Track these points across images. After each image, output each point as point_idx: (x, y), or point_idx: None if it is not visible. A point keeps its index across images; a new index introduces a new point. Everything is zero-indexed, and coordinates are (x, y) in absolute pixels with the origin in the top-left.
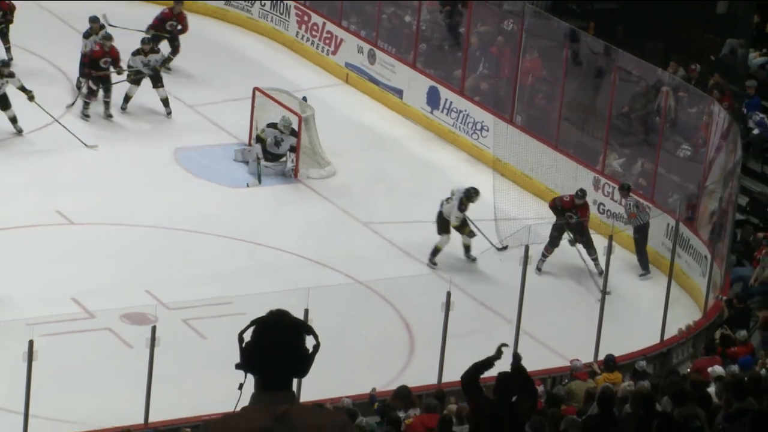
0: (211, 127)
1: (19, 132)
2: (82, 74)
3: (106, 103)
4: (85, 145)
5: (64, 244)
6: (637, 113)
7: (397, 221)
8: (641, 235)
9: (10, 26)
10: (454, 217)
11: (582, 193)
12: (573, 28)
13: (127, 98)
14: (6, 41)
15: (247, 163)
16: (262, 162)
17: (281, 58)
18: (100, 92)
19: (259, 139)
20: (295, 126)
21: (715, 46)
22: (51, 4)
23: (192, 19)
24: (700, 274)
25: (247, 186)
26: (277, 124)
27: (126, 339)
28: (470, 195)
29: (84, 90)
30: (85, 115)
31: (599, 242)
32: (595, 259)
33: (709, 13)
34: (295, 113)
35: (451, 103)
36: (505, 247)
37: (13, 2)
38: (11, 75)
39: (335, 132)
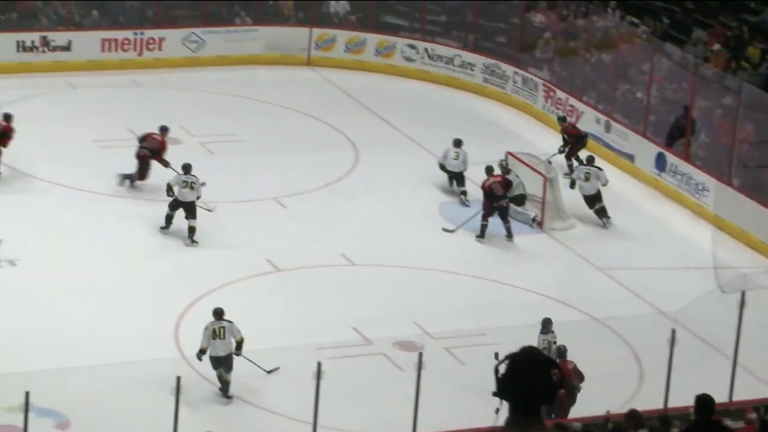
0: (470, 184)
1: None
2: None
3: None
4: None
5: (347, 281)
6: None
7: (628, 267)
8: None
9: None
10: None
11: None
12: None
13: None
14: None
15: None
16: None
17: (530, 127)
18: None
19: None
20: (510, 167)
21: None
22: (335, 77)
23: (455, 94)
24: None
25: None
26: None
27: (397, 363)
28: None
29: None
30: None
31: None
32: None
33: None
34: (540, 174)
35: (676, 166)
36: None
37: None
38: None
39: (575, 190)
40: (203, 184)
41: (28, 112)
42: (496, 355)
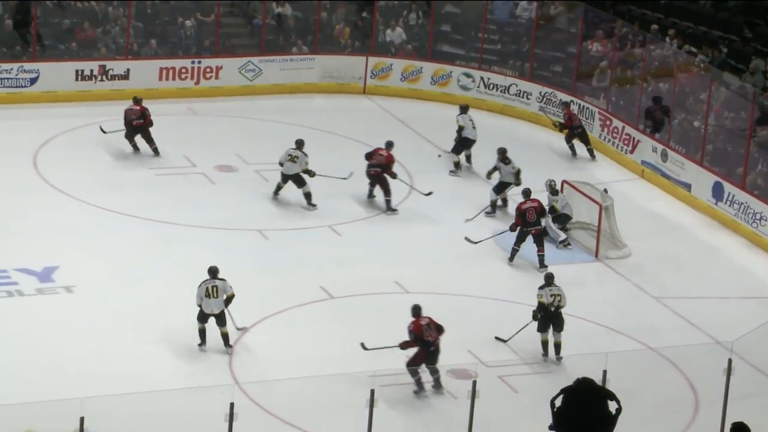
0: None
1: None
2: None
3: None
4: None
5: (401, 309)
6: None
7: (684, 297)
8: None
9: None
10: None
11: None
12: None
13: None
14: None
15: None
16: (551, 223)
17: (586, 155)
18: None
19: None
20: (558, 187)
21: None
22: (389, 105)
23: (511, 123)
24: None
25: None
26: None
27: (451, 391)
28: None
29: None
30: None
31: None
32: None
33: None
34: (596, 203)
35: (733, 196)
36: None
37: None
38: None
39: (631, 219)
40: (351, 174)
41: (86, 139)
42: (362, 345)
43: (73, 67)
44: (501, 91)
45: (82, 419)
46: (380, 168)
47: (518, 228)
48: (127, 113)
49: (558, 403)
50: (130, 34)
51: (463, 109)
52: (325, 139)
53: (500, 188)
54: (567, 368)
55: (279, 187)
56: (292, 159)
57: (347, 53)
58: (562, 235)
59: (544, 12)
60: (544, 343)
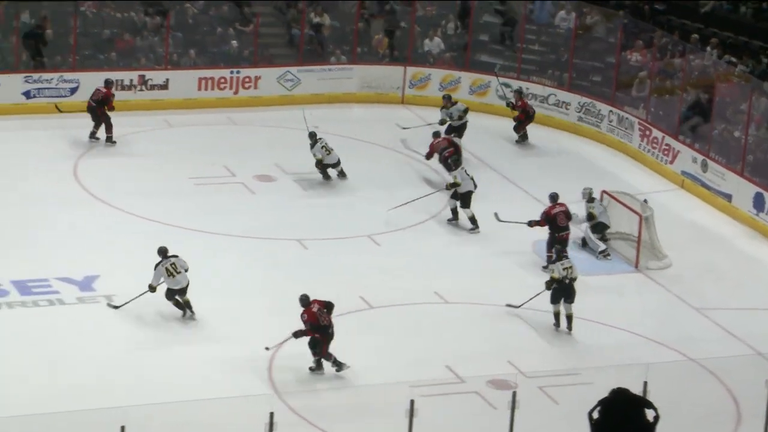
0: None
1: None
2: None
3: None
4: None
5: (440, 319)
6: None
7: (725, 308)
8: None
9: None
10: None
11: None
12: None
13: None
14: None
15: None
16: (590, 234)
17: (625, 165)
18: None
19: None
20: (595, 195)
21: None
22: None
23: (549, 133)
24: None
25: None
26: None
27: (491, 401)
28: None
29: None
30: None
31: None
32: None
33: None
34: (636, 213)
35: None
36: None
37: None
38: None
39: (671, 229)
40: (316, 127)
41: (125, 149)
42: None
43: (113, 77)
44: (540, 101)
45: (122, 428)
46: (451, 147)
47: (549, 233)
48: (94, 93)
49: (596, 415)
50: (170, 44)
51: (448, 99)
52: (363, 148)
53: (460, 196)
54: (608, 379)
55: (327, 176)
56: (328, 149)
57: (385, 63)
58: (602, 246)
59: (583, 22)
60: (556, 314)
